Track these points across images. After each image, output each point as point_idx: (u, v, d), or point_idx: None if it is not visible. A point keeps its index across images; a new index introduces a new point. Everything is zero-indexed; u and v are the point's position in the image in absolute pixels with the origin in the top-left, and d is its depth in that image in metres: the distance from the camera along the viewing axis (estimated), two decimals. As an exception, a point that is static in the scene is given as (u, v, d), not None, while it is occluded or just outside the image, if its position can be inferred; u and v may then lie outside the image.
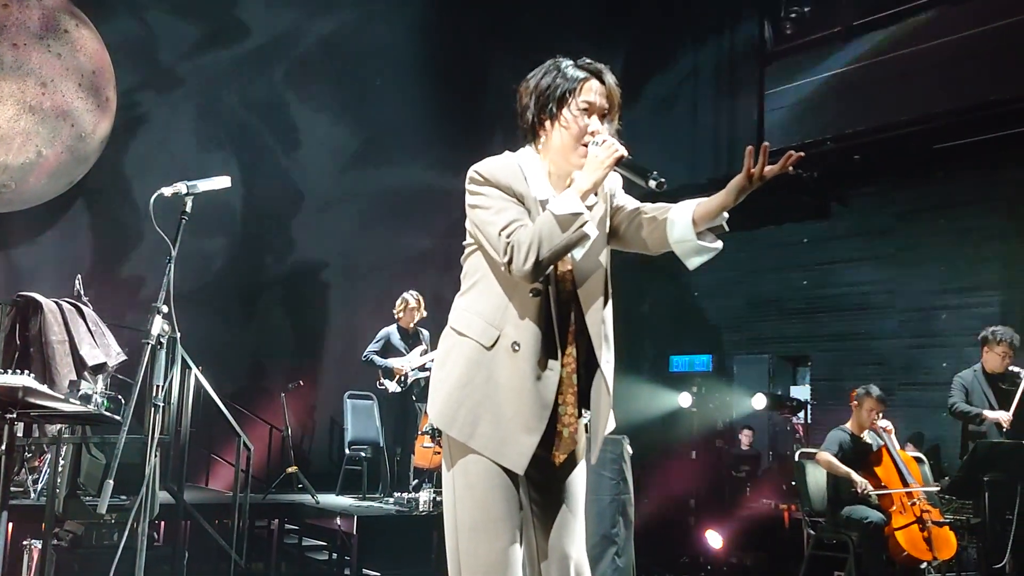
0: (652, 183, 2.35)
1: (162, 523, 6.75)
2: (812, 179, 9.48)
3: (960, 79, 8.14)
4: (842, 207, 9.80)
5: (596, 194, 2.46)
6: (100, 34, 7.98)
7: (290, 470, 7.77)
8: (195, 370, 5.27)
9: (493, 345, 2.41)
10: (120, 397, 4.37)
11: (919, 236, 9.23)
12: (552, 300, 2.43)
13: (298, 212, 9.87)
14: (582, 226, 2.32)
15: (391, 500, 7.48)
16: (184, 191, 3.34)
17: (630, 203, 2.61)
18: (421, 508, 6.86)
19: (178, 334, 4.19)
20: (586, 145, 2.44)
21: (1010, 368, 5.87)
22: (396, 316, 7.96)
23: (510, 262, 2.32)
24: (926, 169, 9.14)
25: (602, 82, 2.48)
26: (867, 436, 5.86)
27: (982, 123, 8.20)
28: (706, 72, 10.37)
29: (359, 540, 6.59)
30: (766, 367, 10.18)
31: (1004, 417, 5.71)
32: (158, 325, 3.14)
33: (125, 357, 4.30)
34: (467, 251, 2.54)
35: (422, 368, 7.78)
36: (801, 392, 9.64)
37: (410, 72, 9.99)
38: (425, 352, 7.85)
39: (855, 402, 5.86)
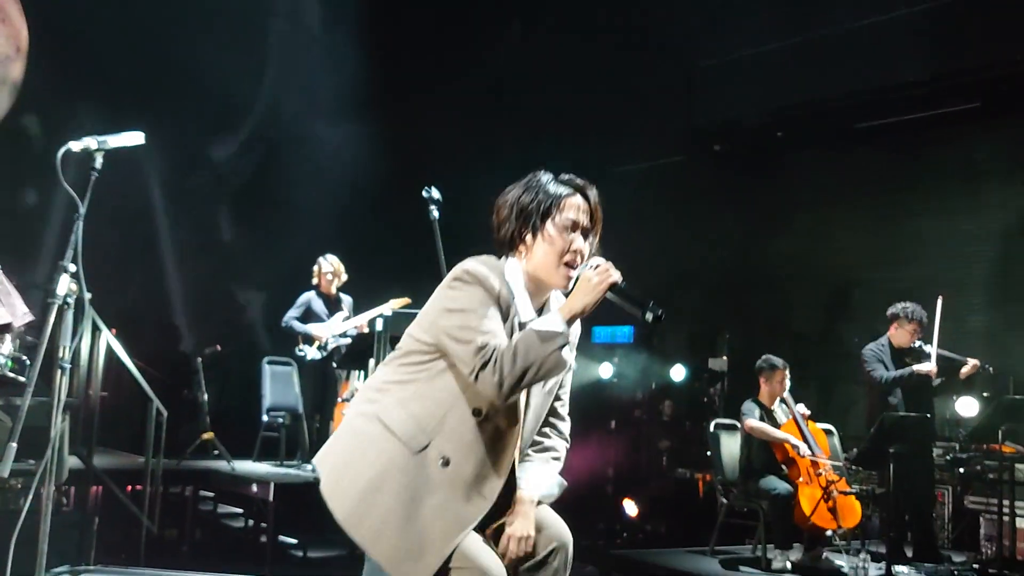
0: (649, 315, 2.30)
1: (71, 489, 6.58)
2: (736, 154, 9.62)
3: (885, 58, 8.30)
4: (765, 182, 9.96)
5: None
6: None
7: (205, 436, 7.63)
8: (106, 331, 5.13)
9: (420, 452, 2.31)
10: (25, 359, 4.22)
11: (838, 213, 9.46)
12: (494, 428, 2.36)
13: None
14: (561, 347, 2.22)
15: (309, 467, 7.40)
16: (94, 147, 3.23)
17: (563, 397, 2.62)
18: (339, 475, 6.80)
19: (88, 294, 4.08)
20: (567, 264, 2.38)
21: (916, 344, 6.06)
22: (317, 281, 7.84)
23: (481, 368, 2.20)
24: (847, 146, 9.36)
25: (586, 198, 2.44)
26: (777, 407, 5.99)
27: (904, 103, 8.41)
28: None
29: (276, 507, 6.52)
30: (685, 339, 10.35)
31: (932, 368, 5.89)
32: (65, 284, 3.04)
33: (32, 318, 4.15)
34: (419, 345, 2.39)
35: (343, 335, 7.69)
36: (718, 364, 9.82)
37: None
38: (347, 319, 7.76)
39: (762, 376, 5.99)
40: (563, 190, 2.41)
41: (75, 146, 3.18)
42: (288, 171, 9.68)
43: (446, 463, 2.29)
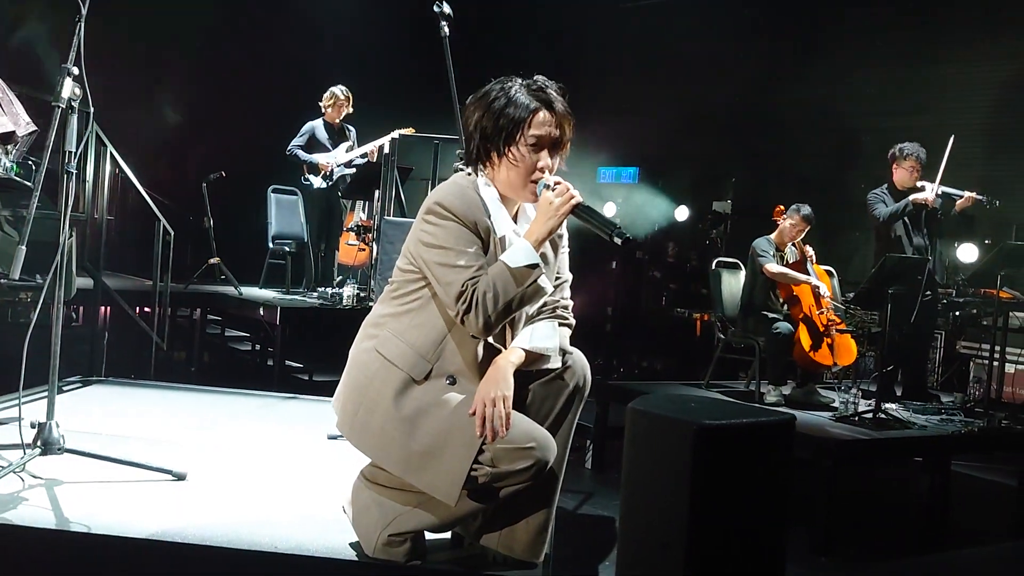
0: (617, 240, 2.24)
1: (80, 308, 6.70)
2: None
3: None
4: (783, 23, 9.66)
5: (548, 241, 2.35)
6: None
7: (212, 261, 7.72)
8: (111, 147, 5.09)
9: (425, 379, 2.32)
10: (31, 163, 4.19)
11: (856, 59, 9.24)
12: (492, 342, 2.36)
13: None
14: (537, 279, 2.22)
15: (315, 294, 7.51)
16: (94, -56, 3.10)
17: (561, 268, 2.54)
18: (345, 302, 6.91)
19: (92, 108, 4.01)
20: (535, 182, 2.31)
21: (918, 184, 6.03)
22: (324, 110, 7.73)
23: (465, 313, 2.21)
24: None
25: (552, 111, 2.32)
26: (787, 251, 6.01)
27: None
28: None
29: (282, 332, 6.66)
30: (690, 181, 10.31)
31: (929, 196, 5.90)
32: (68, 88, 2.97)
33: (36, 128, 4.10)
34: (406, 275, 2.39)
35: (348, 164, 7.65)
36: (722, 207, 9.80)
37: None
38: (351, 148, 7.70)
39: (784, 217, 5.97)
40: (525, 109, 2.31)
41: (74, -56, 3.05)
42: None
43: (452, 381, 2.33)
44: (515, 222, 2.42)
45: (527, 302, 2.26)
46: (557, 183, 2.30)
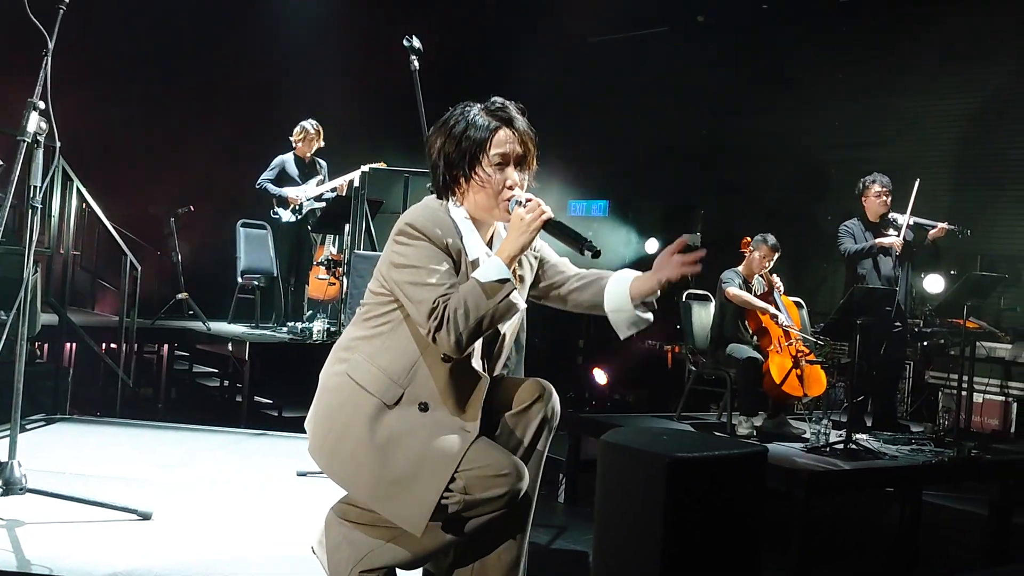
0: (588, 253, 2.25)
1: (45, 344, 6.59)
2: (719, 26, 9.44)
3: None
4: (747, 57, 9.80)
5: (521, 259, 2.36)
6: None
7: (180, 296, 7.64)
8: (77, 182, 5.04)
9: (396, 404, 2.29)
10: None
11: (819, 90, 9.39)
12: (466, 367, 2.32)
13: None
14: (509, 294, 2.18)
15: (284, 329, 7.45)
16: (61, -21, 3.09)
17: (562, 264, 2.54)
18: (315, 337, 6.86)
19: (58, 143, 3.98)
20: (508, 200, 2.30)
21: (890, 215, 6.10)
22: (294, 144, 7.72)
23: (436, 330, 2.16)
24: (832, 22, 9.23)
25: (513, 129, 2.32)
26: (754, 282, 6.06)
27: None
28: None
29: (251, 367, 6.59)
30: (661, 213, 10.38)
31: (896, 241, 5.95)
32: (34, 122, 2.95)
33: (2, 163, 4.06)
34: (378, 298, 2.36)
35: (318, 198, 7.63)
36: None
37: None
38: (321, 182, 7.68)
39: (750, 248, 6.02)
40: (486, 129, 2.31)
41: (41, -22, 3.04)
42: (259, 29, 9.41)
43: (424, 407, 2.30)
44: (489, 247, 2.40)
45: (499, 319, 2.21)
46: (528, 199, 2.29)
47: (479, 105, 2.37)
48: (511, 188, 2.31)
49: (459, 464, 2.23)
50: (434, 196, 2.41)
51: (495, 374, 2.44)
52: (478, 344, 2.32)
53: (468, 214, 2.37)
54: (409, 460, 2.25)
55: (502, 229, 2.43)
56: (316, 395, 2.43)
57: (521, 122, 2.35)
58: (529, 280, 2.48)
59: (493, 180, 2.31)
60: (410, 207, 2.40)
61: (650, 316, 2.47)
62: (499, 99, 2.38)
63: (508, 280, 2.20)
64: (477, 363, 2.37)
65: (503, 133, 2.32)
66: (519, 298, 2.26)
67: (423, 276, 2.22)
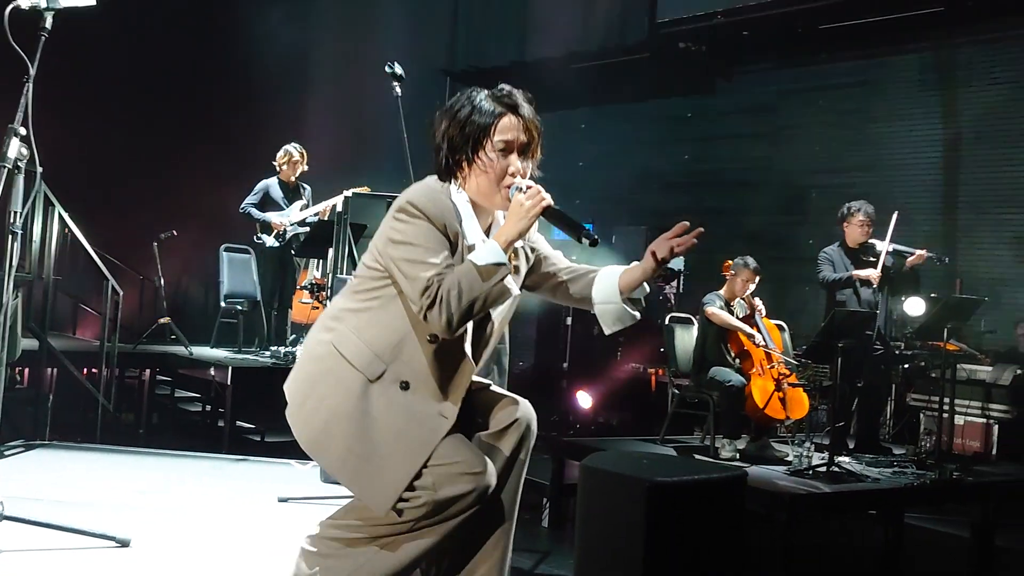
0: (585, 240, 2.26)
1: (25, 369, 6.56)
2: (700, 53, 9.52)
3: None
4: (727, 83, 9.90)
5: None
6: None
7: (162, 321, 7.61)
8: (59, 207, 5.03)
9: (377, 379, 2.29)
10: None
11: (798, 116, 9.48)
12: (451, 350, 2.32)
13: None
14: (503, 278, 2.19)
15: (267, 353, 7.42)
16: (43, 5, 3.10)
17: (555, 256, 2.57)
18: (298, 362, 6.82)
19: (40, 168, 3.98)
20: (508, 187, 2.31)
21: (869, 241, 6.15)
22: (278, 168, 7.73)
23: (428, 308, 2.17)
24: (811, 49, 9.32)
25: (519, 116, 2.33)
26: (736, 305, 6.08)
27: (869, 5, 8.35)
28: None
29: (233, 392, 6.55)
30: (644, 238, 10.42)
31: (873, 274, 6.00)
32: (15, 148, 2.95)
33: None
34: (371, 272, 2.36)
35: (302, 223, 7.63)
36: (675, 263, 9.91)
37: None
38: (305, 207, 7.69)
39: (731, 272, 6.05)
40: (491, 115, 2.32)
41: (23, 3, 3.05)
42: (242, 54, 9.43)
43: (405, 386, 2.30)
44: (487, 235, 2.40)
45: (492, 302, 2.21)
46: (529, 186, 2.29)
47: (486, 91, 2.38)
48: (513, 175, 2.32)
49: (429, 458, 2.23)
50: (436, 177, 2.40)
51: (479, 363, 2.44)
52: (468, 328, 2.33)
53: (469, 199, 2.37)
54: (383, 439, 2.25)
55: (501, 218, 2.43)
56: (299, 359, 2.45)
57: (527, 110, 2.36)
58: (524, 271, 2.49)
59: (495, 165, 2.31)
60: (412, 185, 2.39)
61: (637, 314, 2.49)
62: (506, 86, 2.39)
63: (504, 264, 2.21)
64: (468, 348, 2.36)
65: (508, 120, 2.33)
66: (513, 284, 2.27)
67: (420, 254, 2.22)
